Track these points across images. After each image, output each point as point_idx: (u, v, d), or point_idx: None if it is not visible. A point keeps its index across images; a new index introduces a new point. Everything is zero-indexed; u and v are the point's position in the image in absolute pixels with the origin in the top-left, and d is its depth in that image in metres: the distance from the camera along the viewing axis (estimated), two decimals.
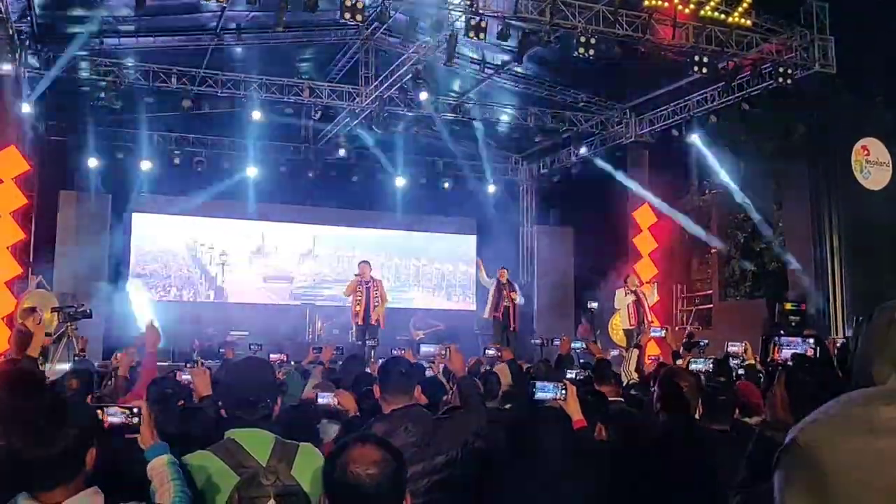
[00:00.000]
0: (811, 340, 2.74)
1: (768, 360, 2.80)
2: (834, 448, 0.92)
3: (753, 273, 14.70)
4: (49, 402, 2.26)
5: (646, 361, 7.99)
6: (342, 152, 16.68)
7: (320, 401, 4.54)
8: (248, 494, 2.39)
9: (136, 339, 7.42)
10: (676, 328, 13.76)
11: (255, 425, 2.60)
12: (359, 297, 11.98)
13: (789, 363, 2.68)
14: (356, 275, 12.33)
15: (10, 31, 11.26)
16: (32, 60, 12.71)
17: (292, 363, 8.44)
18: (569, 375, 5.99)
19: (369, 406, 4.37)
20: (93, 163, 15.42)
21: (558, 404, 3.67)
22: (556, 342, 10.16)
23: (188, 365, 8.35)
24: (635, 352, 7.86)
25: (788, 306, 10.19)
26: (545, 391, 3.69)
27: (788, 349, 2.72)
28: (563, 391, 3.66)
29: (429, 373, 5.89)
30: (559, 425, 3.30)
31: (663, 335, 8.62)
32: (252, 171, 16.55)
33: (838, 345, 6.93)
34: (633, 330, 12.35)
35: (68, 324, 9.74)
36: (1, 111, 12.22)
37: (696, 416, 3.89)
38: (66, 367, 8.65)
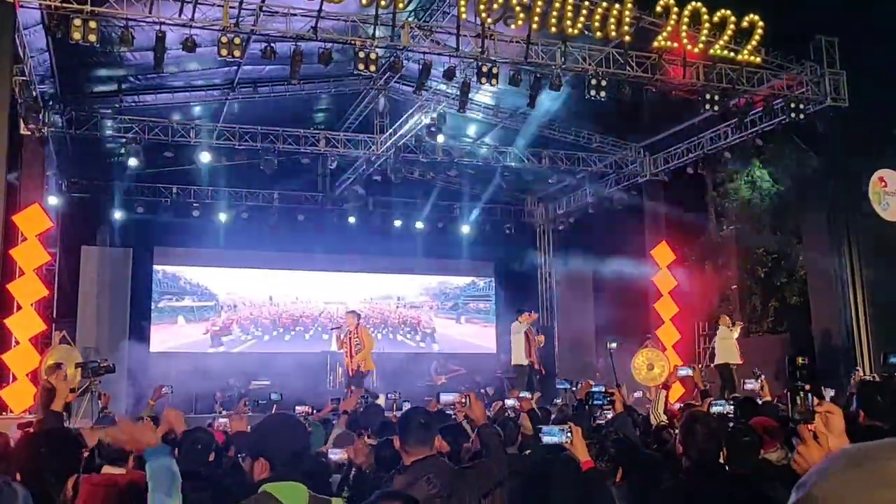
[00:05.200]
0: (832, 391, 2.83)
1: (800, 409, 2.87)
2: (850, 502, 0.93)
3: (775, 308, 14.53)
4: None
5: (670, 401, 7.86)
6: (359, 201, 16.81)
7: (332, 457, 4.58)
8: None
9: (148, 412, 7.14)
10: (699, 366, 13.58)
11: (290, 478, 2.60)
12: (344, 350, 11.93)
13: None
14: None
15: (35, 94, 11.55)
16: (56, 119, 13.01)
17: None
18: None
19: (389, 455, 4.35)
20: (114, 218, 15.64)
21: (568, 448, 3.64)
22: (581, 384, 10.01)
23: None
24: (663, 392, 7.73)
25: (800, 361, 10.12)
26: (551, 435, 3.68)
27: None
28: (570, 434, 3.64)
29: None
30: (570, 471, 3.27)
31: (690, 374, 8.49)
32: (272, 219, 16.72)
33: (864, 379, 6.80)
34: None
35: (91, 379, 9.77)
36: (26, 170, 12.48)
37: (721, 460, 3.84)
38: (88, 422, 8.68)
